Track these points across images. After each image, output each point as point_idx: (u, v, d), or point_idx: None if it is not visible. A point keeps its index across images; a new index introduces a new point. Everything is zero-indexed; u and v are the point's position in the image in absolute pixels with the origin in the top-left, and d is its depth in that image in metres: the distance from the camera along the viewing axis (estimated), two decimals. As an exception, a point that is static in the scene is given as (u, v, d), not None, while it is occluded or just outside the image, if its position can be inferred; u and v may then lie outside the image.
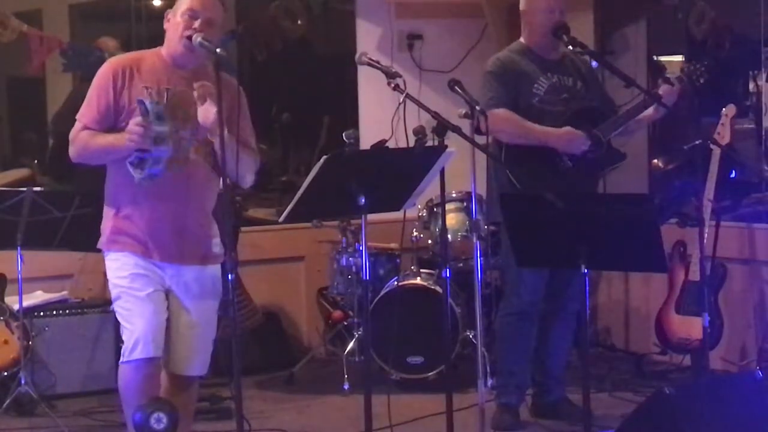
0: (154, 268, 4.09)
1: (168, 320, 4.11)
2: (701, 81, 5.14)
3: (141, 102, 3.90)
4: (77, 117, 4.10)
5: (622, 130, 5.15)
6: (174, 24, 4.06)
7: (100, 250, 4.18)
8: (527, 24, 5.19)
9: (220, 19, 4.09)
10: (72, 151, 4.10)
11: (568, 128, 5.02)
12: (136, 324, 4.03)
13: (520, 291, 5.13)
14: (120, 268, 4.09)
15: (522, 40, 5.21)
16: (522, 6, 5.20)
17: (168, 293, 4.13)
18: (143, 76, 4.05)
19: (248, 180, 4.14)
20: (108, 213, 4.14)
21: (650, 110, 5.12)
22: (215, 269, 4.23)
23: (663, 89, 5.06)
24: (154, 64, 4.10)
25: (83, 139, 4.05)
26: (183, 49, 4.04)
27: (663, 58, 7.61)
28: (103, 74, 4.07)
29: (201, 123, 3.98)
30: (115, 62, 4.12)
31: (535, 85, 5.09)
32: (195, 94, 3.99)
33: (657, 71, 7.18)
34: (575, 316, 5.25)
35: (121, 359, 4.09)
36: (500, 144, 5.09)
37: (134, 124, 3.88)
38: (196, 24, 4.00)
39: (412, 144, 4.00)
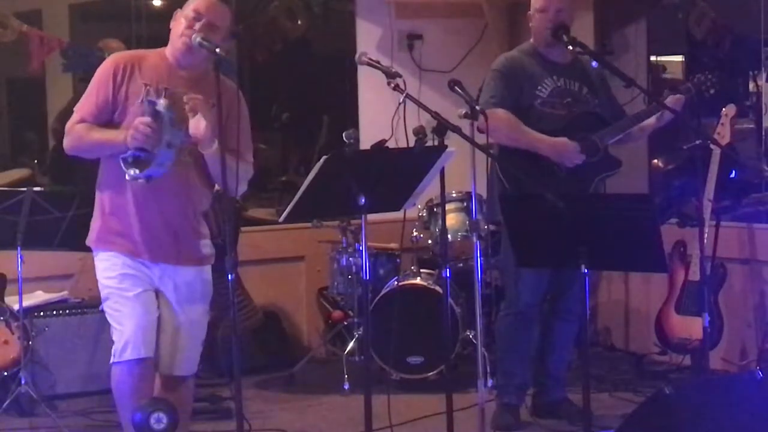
0: (143, 268, 4.08)
1: (158, 321, 4.10)
2: (711, 92, 5.14)
3: (151, 103, 3.89)
4: (75, 108, 4.09)
5: (623, 136, 5.12)
6: (178, 23, 4.07)
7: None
8: (531, 26, 5.19)
9: (224, 26, 4.05)
10: (66, 142, 4.09)
11: (563, 139, 4.98)
12: (126, 325, 4.03)
13: (520, 291, 5.13)
14: (108, 269, 4.08)
15: (532, 41, 5.21)
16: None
17: (158, 293, 4.12)
18: (144, 74, 4.05)
19: (240, 190, 4.09)
20: (98, 211, 4.14)
21: (653, 119, 5.10)
22: (206, 270, 4.22)
23: (671, 99, 5.04)
24: (156, 63, 4.10)
25: (79, 131, 4.04)
26: (182, 47, 4.03)
27: (663, 58, 7.61)
28: (104, 68, 4.07)
29: (192, 135, 3.96)
30: (118, 57, 4.12)
31: (539, 87, 5.08)
32: (186, 107, 3.95)
33: (657, 74, 7.19)
34: (578, 317, 5.24)
35: (111, 360, 4.08)
36: (497, 144, 5.09)
37: (141, 123, 3.87)
38: (198, 25, 4.00)
39: (412, 144, 4.00)
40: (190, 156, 4.04)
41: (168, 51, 4.12)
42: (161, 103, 3.87)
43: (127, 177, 3.92)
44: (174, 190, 4.03)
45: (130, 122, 3.96)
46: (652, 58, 7.17)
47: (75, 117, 4.07)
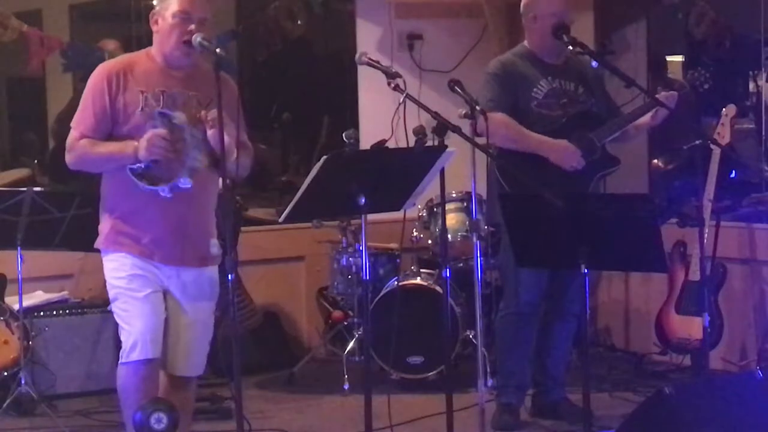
0: (152, 269, 4.08)
1: (165, 321, 4.11)
2: (705, 87, 5.14)
3: (166, 115, 3.87)
4: (72, 125, 4.06)
5: (619, 134, 5.12)
6: (166, 27, 4.02)
7: (99, 250, 4.17)
8: (527, 28, 5.18)
9: (210, 15, 4.07)
10: (69, 159, 4.07)
11: (564, 141, 4.99)
12: (135, 325, 4.03)
13: (518, 291, 5.13)
14: (118, 269, 4.08)
15: (525, 43, 5.20)
16: (522, 10, 5.19)
17: (165, 294, 4.12)
18: (137, 80, 4.03)
19: (245, 173, 4.16)
20: (105, 214, 4.13)
21: (648, 116, 5.10)
22: (213, 270, 4.22)
23: (663, 95, 5.04)
24: (147, 66, 4.07)
25: (82, 147, 4.02)
26: (180, 54, 4.01)
27: (662, 58, 7.61)
28: (96, 80, 4.03)
29: (213, 147, 3.94)
30: (108, 67, 4.09)
31: (534, 89, 5.08)
32: (207, 117, 3.93)
33: (657, 71, 7.18)
34: (576, 317, 5.25)
35: (119, 360, 4.09)
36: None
37: (157, 136, 3.85)
38: (192, 26, 3.98)
39: (412, 144, 4.00)
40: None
41: (155, 52, 4.09)
42: (178, 117, 3.86)
43: (143, 190, 3.91)
44: (185, 192, 4.01)
45: (132, 132, 3.95)
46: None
47: (74, 133, 4.04)
